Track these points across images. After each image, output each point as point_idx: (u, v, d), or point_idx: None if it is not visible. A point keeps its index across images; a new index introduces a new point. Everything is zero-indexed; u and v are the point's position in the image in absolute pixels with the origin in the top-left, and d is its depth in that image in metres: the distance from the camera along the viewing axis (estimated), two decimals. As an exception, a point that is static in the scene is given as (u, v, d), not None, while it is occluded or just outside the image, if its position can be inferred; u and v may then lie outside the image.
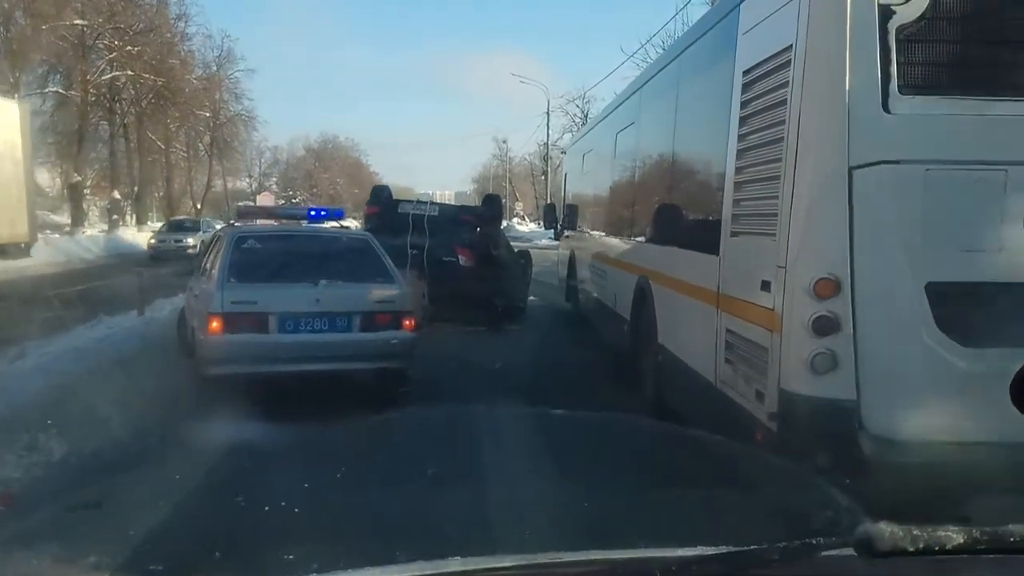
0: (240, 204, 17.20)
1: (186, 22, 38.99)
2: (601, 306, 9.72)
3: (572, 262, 12.89)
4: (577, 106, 46.14)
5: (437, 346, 8.54)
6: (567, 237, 13.76)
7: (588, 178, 11.73)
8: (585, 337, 10.42)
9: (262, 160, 68.51)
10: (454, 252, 10.99)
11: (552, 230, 15.59)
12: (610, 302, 9.03)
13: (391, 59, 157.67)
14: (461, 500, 2.10)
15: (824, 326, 3.67)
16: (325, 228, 8.15)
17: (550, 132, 48.07)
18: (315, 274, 6.51)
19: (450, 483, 2.24)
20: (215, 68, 44.93)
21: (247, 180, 66.56)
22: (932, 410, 3.62)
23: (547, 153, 49.44)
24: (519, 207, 65.21)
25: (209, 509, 1.87)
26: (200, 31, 47.03)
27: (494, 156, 72.59)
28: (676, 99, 6.54)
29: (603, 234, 10.01)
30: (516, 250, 14.16)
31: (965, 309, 3.66)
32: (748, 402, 4.31)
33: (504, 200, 66.68)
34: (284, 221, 9.26)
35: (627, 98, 9.01)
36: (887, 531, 1.24)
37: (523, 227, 50.06)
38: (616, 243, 8.99)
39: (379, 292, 6.62)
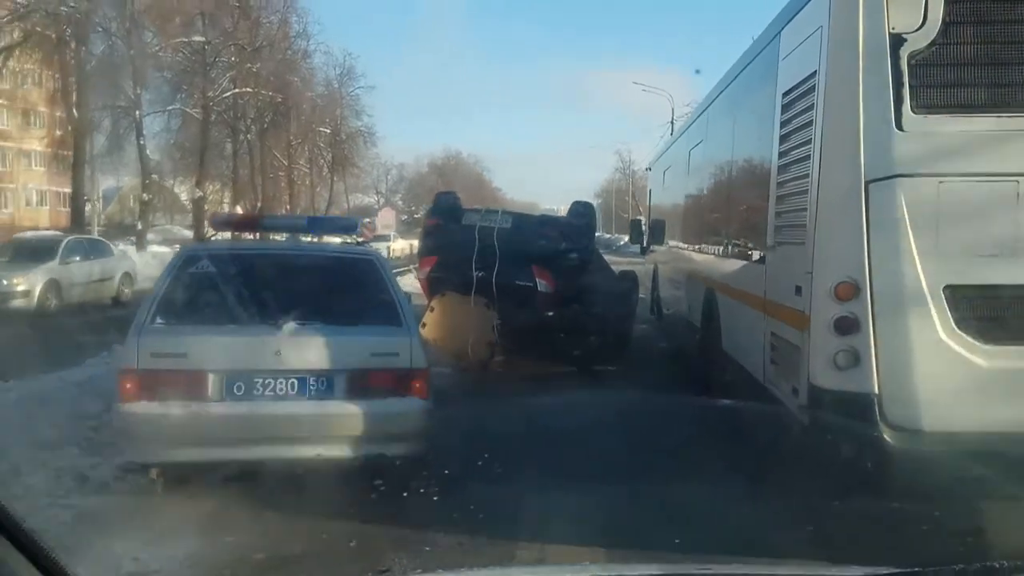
0: (218, 214, 11.95)
1: (307, 40, 39.41)
2: (678, 317, 10.07)
3: (655, 276, 13.24)
4: (702, 112, 45.38)
5: (495, 399, 7.14)
6: (651, 252, 14.11)
7: (667, 193, 12.10)
8: (664, 352, 10.64)
9: (388, 177, 71.02)
10: (531, 274, 8.64)
11: (639, 245, 15.89)
12: (684, 313, 9.39)
13: (513, 73, 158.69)
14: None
15: (845, 326, 4.02)
16: (324, 244, 6.25)
17: (674, 141, 47.46)
18: (284, 312, 4.53)
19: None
20: (336, 85, 45.55)
21: (375, 196, 69.19)
22: (951, 403, 3.91)
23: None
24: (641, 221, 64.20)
25: None
26: (319, 48, 48.30)
27: (616, 169, 71.18)
28: (734, 118, 6.92)
29: (678, 247, 10.36)
30: (619, 271, 11.73)
31: (983, 310, 3.93)
32: (786, 397, 4.67)
33: (627, 215, 66.06)
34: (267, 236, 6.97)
35: (698, 116, 9.39)
36: None
37: (644, 243, 49.75)
38: (688, 256, 9.35)
39: (376, 340, 4.65)
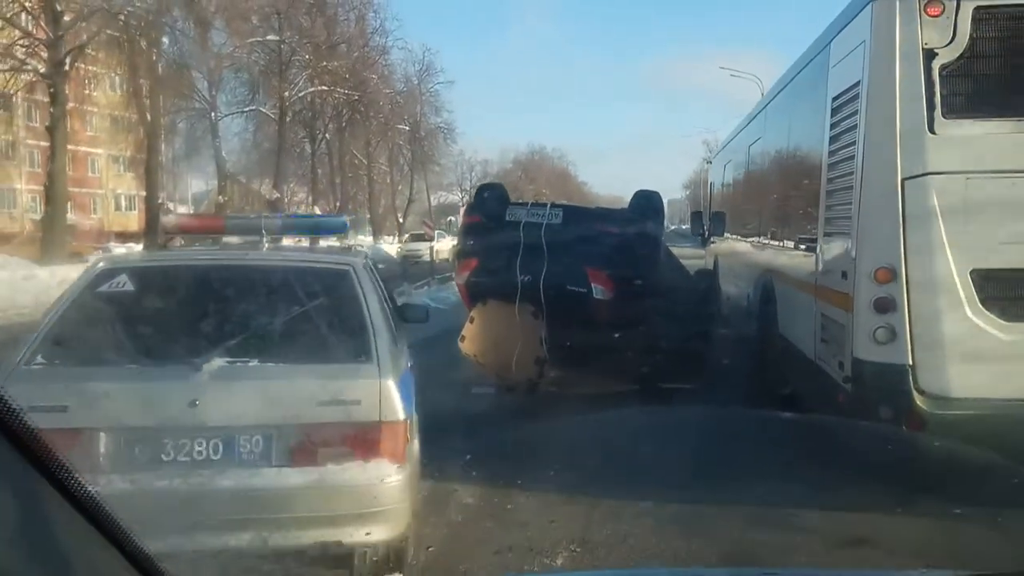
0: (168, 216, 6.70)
1: (385, 36, 39.50)
2: (736, 305, 10.60)
3: (715, 267, 13.75)
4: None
5: (544, 425, 6.28)
6: (712, 243, 14.61)
7: (726, 187, 12.61)
8: (728, 343, 10.33)
9: (472, 174, 68.99)
10: (585, 278, 7.45)
11: (700, 237, 16.30)
12: (744, 301, 9.92)
13: (598, 65, 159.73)
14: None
15: (883, 305, 4.61)
16: (294, 251, 5.13)
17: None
18: (213, 344, 3.42)
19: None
20: (416, 81, 45.44)
21: (459, 194, 68.84)
22: (977, 373, 4.47)
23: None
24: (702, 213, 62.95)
25: None
26: (397, 44, 46.64)
27: (705, 159, 70.76)
28: (791, 119, 7.47)
29: (737, 239, 10.88)
30: (696, 270, 10.42)
31: (1005, 291, 4.48)
32: (833, 371, 5.25)
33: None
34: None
35: (756, 114, 9.91)
36: None
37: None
38: (746, 247, 9.88)
39: (330, 383, 3.41)
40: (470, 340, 7.61)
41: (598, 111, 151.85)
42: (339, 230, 5.25)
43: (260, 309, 3.77)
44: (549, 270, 7.44)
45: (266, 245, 4.58)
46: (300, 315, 3.69)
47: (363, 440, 3.34)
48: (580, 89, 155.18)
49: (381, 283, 4.66)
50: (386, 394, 3.39)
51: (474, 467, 5.23)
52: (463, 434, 5.68)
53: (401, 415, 3.43)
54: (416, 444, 3.73)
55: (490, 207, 8.32)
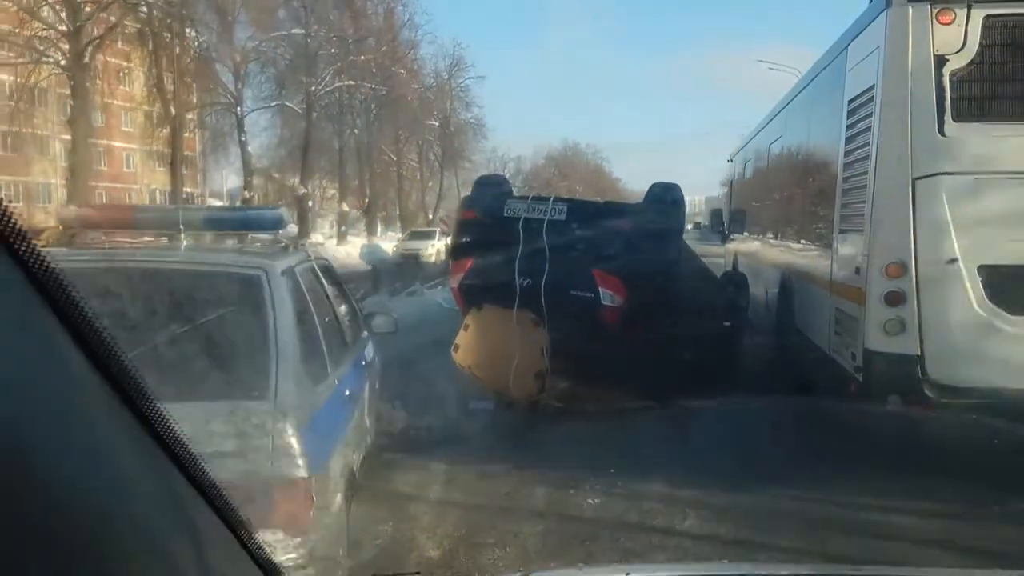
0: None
1: (415, 31, 39.11)
2: (754, 301, 10.82)
3: (734, 264, 13.95)
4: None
5: (543, 451, 5.74)
6: (731, 240, 14.80)
7: (746, 185, 12.81)
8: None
9: (505, 170, 69.69)
10: (592, 282, 6.72)
11: (719, 235, 16.46)
12: (761, 296, 10.14)
13: (633, 60, 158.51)
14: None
15: (894, 299, 4.85)
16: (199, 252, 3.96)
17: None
18: None
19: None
20: (446, 76, 44.83)
21: None
22: (983, 363, 4.70)
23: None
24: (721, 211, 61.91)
25: None
26: (427, 38, 46.70)
27: (728, 159, 69.81)
28: (809, 119, 7.68)
29: (755, 237, 11.09)
30: (724, 273, 9.79)
31: (1012, 286, 4.71)
32: (846, 361, 5.50)
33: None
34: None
35: (775, 115, 10.11)
36: None
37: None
38: (765, 244, 10.09)
39: (211, 429, 2.64)
40: (464, 350, 6.83)
41: (634, 107, 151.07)
42: (273, 226, 4.42)
43: (134, 327, 2.92)
44: (551, 272, 6.70)
45: (184, 242, 3.82)
46: (183, 335, 2.97)
47: (249, 504, 2.19)
48: (615, 85, 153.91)
49: (328, 290, 4.18)
50: (282, 443, 2.70)
51: (448, 503, 4.67)
52: (449, 457, 5.33)
53: (302, 471, 2.71)
54: (338, 502, 3.02)
55: (487, 201, 7.53)
